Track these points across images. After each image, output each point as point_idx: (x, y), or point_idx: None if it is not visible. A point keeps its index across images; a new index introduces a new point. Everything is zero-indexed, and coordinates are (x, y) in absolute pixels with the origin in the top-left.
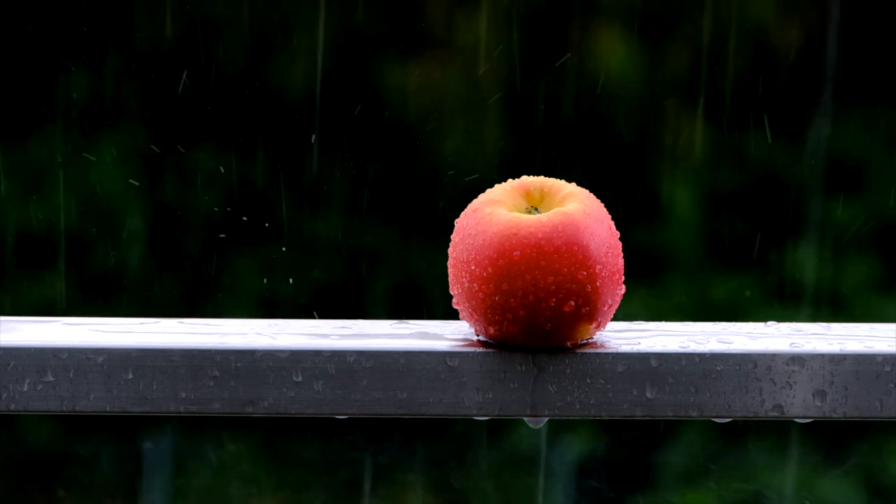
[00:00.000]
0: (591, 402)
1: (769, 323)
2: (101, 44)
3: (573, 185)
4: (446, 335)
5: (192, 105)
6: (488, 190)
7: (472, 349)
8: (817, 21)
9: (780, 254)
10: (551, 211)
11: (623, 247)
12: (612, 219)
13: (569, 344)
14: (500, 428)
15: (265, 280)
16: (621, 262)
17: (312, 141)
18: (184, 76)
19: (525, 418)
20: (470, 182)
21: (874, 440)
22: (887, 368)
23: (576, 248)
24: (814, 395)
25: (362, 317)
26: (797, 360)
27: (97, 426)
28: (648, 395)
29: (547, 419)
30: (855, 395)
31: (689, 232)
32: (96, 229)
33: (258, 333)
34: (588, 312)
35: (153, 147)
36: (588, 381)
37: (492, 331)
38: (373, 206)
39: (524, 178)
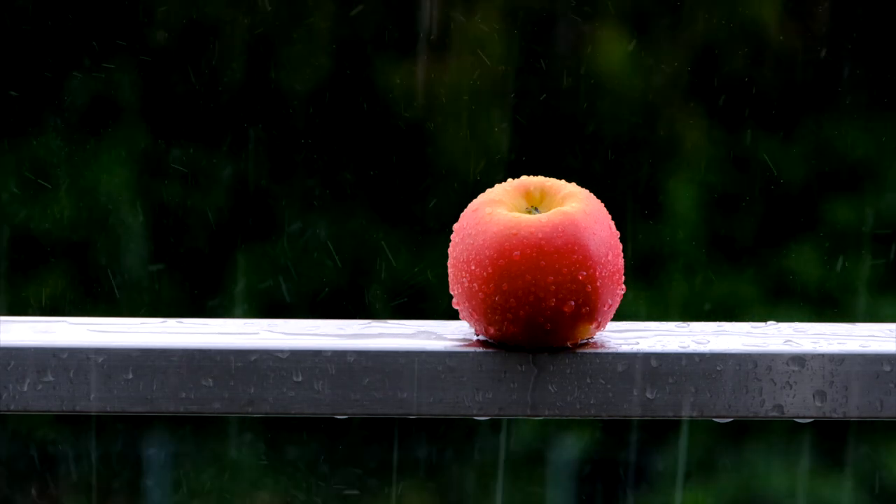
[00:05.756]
0: (591, 402)
1: (769, 323)
2: (103, 43)
3: (573, 185)
4: (446, 335)
5: (193, 105)
6: (488, 190)
7: (472, 349)
8: (818, 20)
9: (781, 253)
10: (551, 211)
11: (623, 247)
12: (612, 219)
13: (569, 344)
14: (499, 428)
15: (265, 280)
16: (621, 262)
17: (313, 140)
18: (184, 76)
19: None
20: (470, 182)
21: (874, 440)
22: (887, 368)
23: (576, 248)
24: (814, 395)
25: (362, 317)
26: (797, 360)
27: (97, 426)
28: (648, 395)
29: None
30: (855, 395)
31: (690, 231)
32: (96, 229)
33: (258, 333)
34: (588, 312)
35: (154, 147)
36: (588, 381)
37: (492, 331)
38: (373, 206)
39: (524, 177)
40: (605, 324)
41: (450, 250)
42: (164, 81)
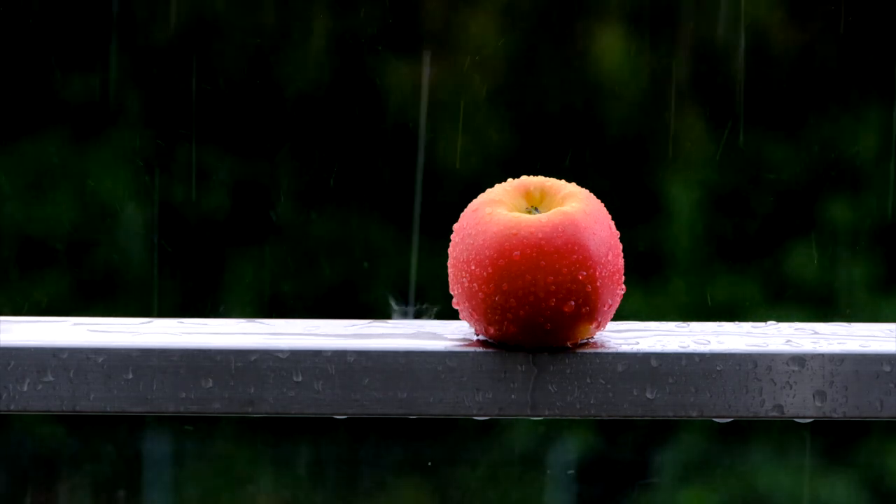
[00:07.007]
0: (591, 402)
1: (769, 323)
2: (102, 43)
3: (573, 184)
4: (446, 335)
5: (193, 104)
6: (488, 190)
7: (472, 349)
8: (817, 19)
9: (780, 253)
10: (551, 211)
11: (623, 247)
12: (612, 219)
13: (569, 344)
14: (499, 428)
15: (265, 280)
16: (621, 262)
17: (313, 140)
18: (184, 76)
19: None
20: (470, 181)
21: (874, 440)
22: (887, 368)
23: (576, 248)
24: (814, 395)
25: (363, 317)
26: (797, 360)
27: (97, 426)
28: (648, 395)
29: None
30: (855, 395)
31: (689, 231)
32: (96, 229)
33: (258, 333)
34: (588, 312)
35: (154, 147)
36: (588, 381)
37: (492, 331)
38: (373, 206)
39: (524, 177)
40: (605, 324)
41: (450, 250)
42: (165, 80)
